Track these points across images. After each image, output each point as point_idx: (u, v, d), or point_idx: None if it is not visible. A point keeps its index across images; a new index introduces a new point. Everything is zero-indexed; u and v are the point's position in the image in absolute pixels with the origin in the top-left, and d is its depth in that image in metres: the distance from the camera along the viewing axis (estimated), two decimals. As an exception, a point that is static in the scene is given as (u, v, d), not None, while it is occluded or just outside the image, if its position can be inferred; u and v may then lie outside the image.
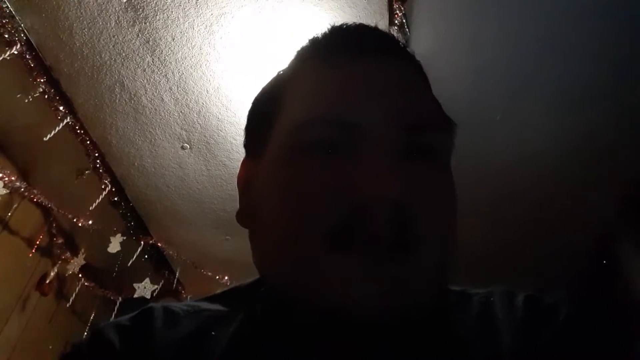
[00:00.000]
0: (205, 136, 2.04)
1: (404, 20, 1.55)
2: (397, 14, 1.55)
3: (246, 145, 0.52)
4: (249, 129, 0.51)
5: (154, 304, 0.50)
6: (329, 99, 0.41)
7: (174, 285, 2.78)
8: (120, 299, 2.64)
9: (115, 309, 2.60)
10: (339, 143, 0.39)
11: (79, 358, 0.46)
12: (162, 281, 2.65)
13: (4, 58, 1.58)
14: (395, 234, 0.35)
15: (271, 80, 0.51)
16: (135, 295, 2.42)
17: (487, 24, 1.54)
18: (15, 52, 1.61)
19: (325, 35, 0.47)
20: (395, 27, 1.57)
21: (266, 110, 0.47)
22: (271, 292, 0.46)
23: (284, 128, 0.43)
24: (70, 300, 2.41)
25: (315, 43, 0.48)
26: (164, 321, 0.47)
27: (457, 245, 0.41)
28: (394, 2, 1.55)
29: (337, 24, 0.48)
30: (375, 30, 0.47)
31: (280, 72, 0.51)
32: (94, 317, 2.57)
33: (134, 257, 2.38)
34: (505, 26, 1.51)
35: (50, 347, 2.32)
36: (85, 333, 2.53)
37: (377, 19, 1.63)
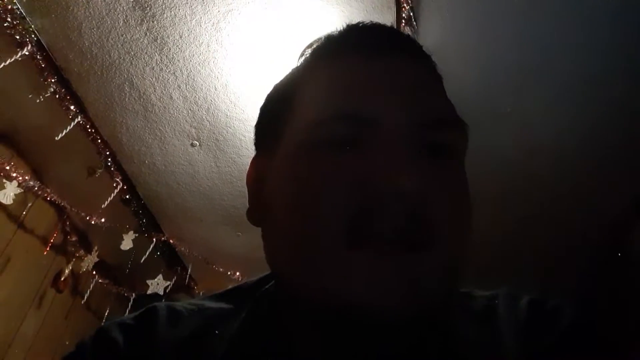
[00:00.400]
0: (214, 133, 2.05)
1: (412, 14, 1.54)
2: (404, 7, 1.53)
3: (257, 143, 0.52)
4: (261, 127, 0.51)
5: (158, 303, 0.50)
6: (345, 95, 0.42)
7: (187, 281, 2.81)
8: (133, 295, 2.67)
9: (129, 305, 2.63)
10: (355, 139, 0.39)
11: (83, 357, 0.47)
12: (175, 277, 2.68)
13: (15, 59, 1.60)
14: (411, 228, 0.35)
15: (284, 79, 0.51)
16: (149, 292, 2.45)
17: (495, 18, 1.52)
18: (27, 53, 1.63)
19: (340, 33, 0.48)
20: (403, 21, 1.55)
21: (279, 108, 0.47)
22: (281, 289, 0.46)
23: (299, 124, 0.43)
24: (85, 296, 2.45)
25: (330, 40, 0.48)
26: (167, 320, 0.47)
27: (470, 246, 0.41)
28: (401, -5, 1.54)
29: (352, 22, 0.48)
30: (390, 29, 0.48)
31: (293, 70, 0.51)
32: (108, 313, 2.61)
33: (147, 254, 2.41)
34: (514, 21, 1.50)
35: (67, 342, 2.36)
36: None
37: (385, 12, 1.61)
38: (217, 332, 0.46)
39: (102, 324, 0.50)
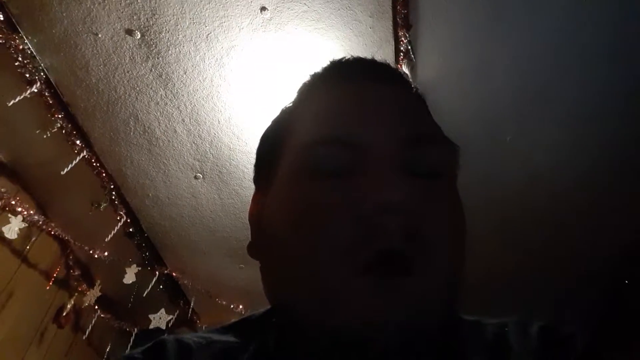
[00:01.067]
0: (217, 165, 2.07)
1: (410, 47, 1.58)
2: (402, 41, 1.58)
3: (255, 179, 0.53)
4: (258, 163, 0.53)
5: (166, 337, 0.49)
6: (331, 120, 0.43)
7: (189, 315, 2.77)
8: (135, 330, 2.64)
9: (131, 340, 2.59)
10: (342, 162, 0.40)
11: None
12: (177, 311, 2.65)
13: (24, 96, 1.64)
14: (407, 245, 0.36)
15: (276, 117, 0.54)
16: (151, 326, 2.42)
17: (493, 50, 1.56)
18: (35, 90, 1.67)
19: (325, 67, 0.51)
20: (402, 54, 1.59)
21: (272, 143, 0.50)
22: (284, 321, 0.46)
23: (290, 152, 0.44)
24: (87, 332, 2.41)
25: (315, 74, 0.51)
26: (176, 354, 0.47)
27: (466, 264, 0.41)
28: (399, 30, 1.58)
29: (338, 57, 0.52)
30: (373, 60, 0.50)
31: (283, 108, 0.53)
32: (110, 349, 2.57)
33: (149, 287, 2.39)
34: (512, 53, 1.53)
35: (67, 380, 2.32)
36: (101, 366, 2.52)
37: (383, 46, 1.66)
38: None
39: None
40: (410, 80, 0.52)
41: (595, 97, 1.31)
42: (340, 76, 0.48)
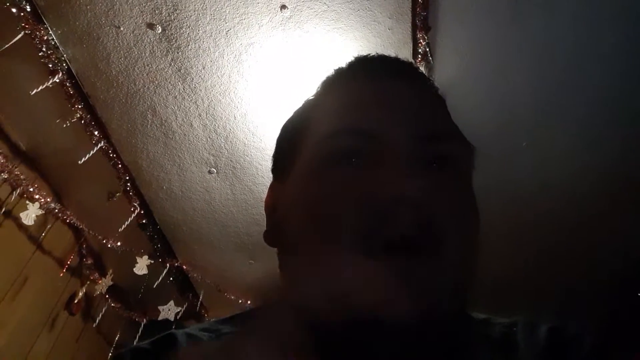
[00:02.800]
0: (231, 161, 2.08)
1: (428, 49, 1.58)
2: (420, 43, 1.58)
3: (274, 169, 0.54)
4: (277, 153, 0.54)
5: (176, 330, 0.50)
6: (352, 112, 0.45)
7: (198, 308, 2.80)
8: (144, 320, 2.67)
9: (140, 330, 2.62)
10: (362, 152, 0.42)
11: None
12: (186, 304, 2.67)
13: (46, 86, 1.67)
14: (420, 234, 0.37)
15: (298, 108, 0.55)
16: (160, 318, 2.44)
17: (511, 53, 1.55)
18: (57, 81, 1.70)
19: (349, 62, 0.53)
20: (419, 56, 1.59)
21: (293, 133, 0.51)
22: (297, 312, 0.46)
23: (310, 142, 0.46)
24: (97, 320, 2.45)
25: (339, 69, 0.53)
26: (187, 345, 0.47)
27: (477, 258, 0.42)
28: (417, 32, 1.59)
29: (362, 53, 0.53)
30: (395, 57, 0.53)
31: (306, 100, 0.54)
32: (118, 338, 2.60)
33: (160, 279, 2.42)
34: (530, 56, 1.52)
35: (76, 367, 2.35)
36: (110, 354, 2.56)
37: (401, 48, 1.66)
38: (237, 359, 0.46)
39: (122, 350, 0.49)
40: (431, 79, 0.53)
41: (612, 102, 1.30)
42: (364, 72, 0.50)
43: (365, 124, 0.43)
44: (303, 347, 0.44)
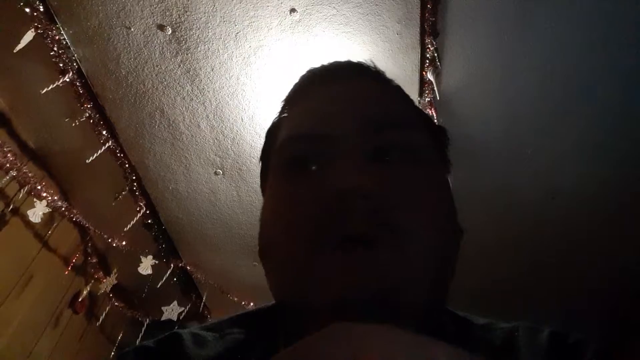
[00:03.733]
0: (237, 163, 2.09)
1: (436, 55, 1.59)
2: (429, 48, 1.58)
3: (261, 186, 0.57)
4: (261, 171, 0.57)
5: (181, 330, 0.50)
6: (301, 120, 0.48)
7: (201, 309, 2.80)
8: (147, 320, 2.67)
9: (143, 330, 2.63)
10: (313, 157, 0.43)
11: None
12: (189, 304, 2.68)
13: (57, 85, 1.69)
14: (371, 226, 0.37)
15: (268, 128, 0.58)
16: (163, 318, 2.45)
17: (518, 58, 1.56)
18: (67, 80, 1.72)
19: (303, 75, 0.56)
20: (427, 61, 1.60)
21: (264, 152, 0.55)
22: (286, 314, 0.47)
23: (273, 155, 0.49)
24: (100, 319, 2.46)
25: (295, 83, 0.56)
26: (193, 346, 0.48)
27: (447, 250, 0.42)
28: (426, 37, 1.59)
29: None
30: (346, 61, 0.55)
31: (273, 119, 0.57)
32: (121, 337, 2.61)
33: (164, 279, 2.42)
34: (536, 62, 1.53)
35: (79, 365, 2.36)
36: (112, 354, 2.56)
37: (409, 53, 1.67)
38: (240, 357, 0.47)
39: (127, 348, 0.49)
40: (383, 73, 0.54)
41: (618, 107, 1.30)
42: (313, 80, 0.52)
43: (311, 128, 0.45)
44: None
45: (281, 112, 0.55)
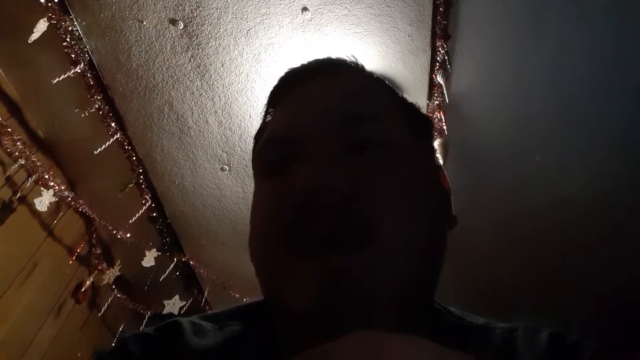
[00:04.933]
0: (244, 159, 2.10)
1: (446, 58, 1.59)
2: (439, 51, 1.58)
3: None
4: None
5: (181, 318, 0.50)
6: (280, 121, 0.48)
7: (202, 304, 2.81)
8: (149, 313, 2.68)
9: (144, 322, 2.64)
10: (285, 158, 0.44)
11: None
12: (191, 299, 2.69)
13: (68, 76, 1.70)
14: (341, 224, 0.37)
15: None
16: (164, 312, 2.46)
17: (528, 63, 1.55)
18: (79, 71, 1.73)
19: (280, 77, 0.55)
20: (437, 64, 1.60)
21: (253, 153, 0.55)
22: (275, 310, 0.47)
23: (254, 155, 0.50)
24: (102, 310, 2.47)
25: (274, 86, 0.55)
26: (192, 335, 0.48)
27: (430, 233, 0.41)
28: (437, 40, 1.59)
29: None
30: (327, 58, 0.54)
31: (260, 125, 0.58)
32: (122, 329, 2.62)
33: (166, 272, 2.43)
34: (545, 67, 1.52)
35: (79, 354, 2.37)
36: (113, 344, 2.57)
37: (420, 55, 1.66)
38: (240, 350, 0.47)
39: (127, 334, 0.49)
40: (361, 66, 0.53)
41: (628, 112, 1.30)
42: (289, 83, 0.52)
43: (281, 130, 0.46)
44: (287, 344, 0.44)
45: (265, 116, 0.55)
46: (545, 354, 0.42)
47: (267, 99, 0.55)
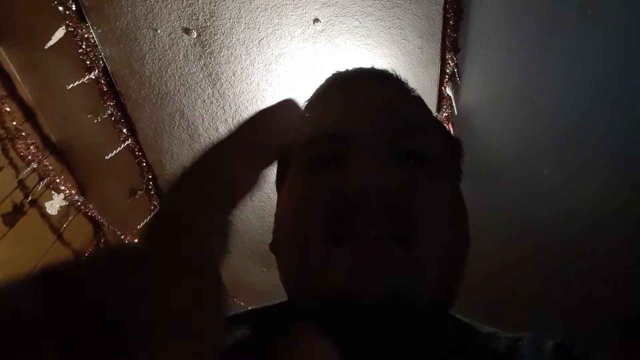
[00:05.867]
0: (253, 167, 2.11)
1: (456, 70, 1.60)
2: (449, 63, 1.59)
3: (276, 183, 0.57)
4: (277, 167, 0.57)
5: None
6: (323, 120, 0.48)
7: (207, 311, 2.80)
8: (154, 319, 2.68)
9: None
10: (334, 155, 0.44)
11: None
12: (196, 306, 2.68)
13: (82, 82, 1.73)
14: (388, 223, 0.38)
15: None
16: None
17: (537, 78, 1.56)
18: (93, 77, 1.76)
19: (328, 77, 0.57)
20: (447, 76, 1.61)
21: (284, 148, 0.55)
22: (294, 306, 0.47)
23: (295, 150, 0.49)
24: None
25: (320, 84, 0.57)
26: None
27: (461, 249, 0.43)
28: (446, 52, 1.60)
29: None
30: (371, 67, 0.57)
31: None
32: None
33: (172, 279, 2.44)
34: (554, 81, 1.53)
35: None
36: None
37: (429, 67, 1.68)
38: (247, 355, 0.47)
39: None
40: (406, 81, 0.56)
41: (636, 129, 1.30)
42: (337, 83, 0.54)
43: (333, 127, 0.46)
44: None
45: (304, 111, 0.56)
46: None
47: (311, 95, 0.57)
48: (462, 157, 0.55)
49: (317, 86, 0.57)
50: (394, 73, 0.56)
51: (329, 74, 0.57)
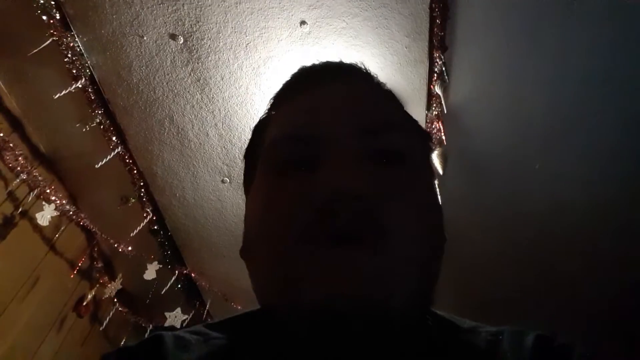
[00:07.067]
0: (245, 171, 2.11)
1: (444, 69, 1.60)
2: (437, 62, 1.59)
3: (244, 186, 0.56)
4: (244, 172, 0.56)
5: (164, 332, 0.49)
6: (292, 121, 0.47)
7: (204, 316, 2.80)
8: (150, 326, 2.67)
9: (145, 336, 2.62)
10: (304, 157, 0.43)
11: None
12: (193, 312, 2.68)
13: (69, 91, 1.72)
14: (360, 226, 0.38)
15: (254, 127, 0.57)
16: (166, 324, 2.45)
17: (525, 73, 1.56)
18: (80, 86, 1.75)
19: (294, 74, 0.55)
20: (435, 75, 1.61)
21: (250, 152, 0.54)
22: (271, 316, 0.47)
23: (262, 156, 0.48)
24: (104, 324, 2.46)
25: (286, 82, 0.55)
26: (175, 349, 0.47)
27: (437, 247, 0.43)
28: (434, 51, 1.61)
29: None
30: (337, 62, 0.55)
31: (260, 118, 0.57)
32: (124, 342, 2.61)
33: (168, 285, 2.43)
34: (543, 75, 1.54)
35: (81, 369, 2.36)
36: None
37: (417, 66, 1.68)
38: None
39: (110, 351, 0.48)
40: (375, 76, 0.54)
41: (627, 123, 1.31)
42: (305, 81, 0.52)
43: (302, 128, 0.45)
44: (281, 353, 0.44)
45: (270, 109, 0.54)
46: (531, 356, 0.42)
47: (277, 92, 0.55)
48: (432, 152, 0.55)
49: (284, 83, 0.55)
50: (363, 67, 0.55)
51: (294, 72, 0.55)
